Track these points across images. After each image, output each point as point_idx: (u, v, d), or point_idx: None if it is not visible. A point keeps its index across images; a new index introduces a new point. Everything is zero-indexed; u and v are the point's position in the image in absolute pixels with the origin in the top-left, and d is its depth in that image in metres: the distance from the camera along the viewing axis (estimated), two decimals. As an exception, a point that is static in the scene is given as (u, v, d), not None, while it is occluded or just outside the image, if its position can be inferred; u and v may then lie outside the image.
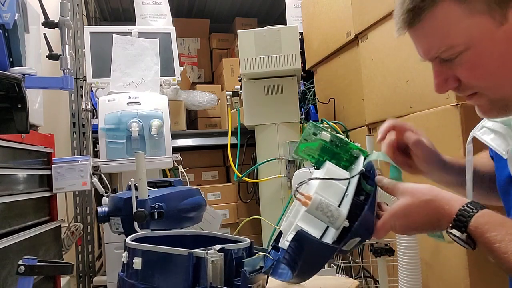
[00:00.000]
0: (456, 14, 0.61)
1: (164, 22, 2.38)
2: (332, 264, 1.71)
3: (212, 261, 0.64)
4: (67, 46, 1.41)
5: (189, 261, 0.64)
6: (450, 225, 0.62)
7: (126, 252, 0.72)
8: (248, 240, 0.76)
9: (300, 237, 0.66)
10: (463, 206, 0.62)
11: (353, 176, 0.71)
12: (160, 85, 1.94)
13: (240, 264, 0.68)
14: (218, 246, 0.66)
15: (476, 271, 1.23)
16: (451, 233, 0.62)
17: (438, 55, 0.66)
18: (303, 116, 2.13)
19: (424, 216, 0.65)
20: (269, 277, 0.79)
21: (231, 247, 0.68)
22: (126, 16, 3.25)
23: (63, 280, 1.79)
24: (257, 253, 0.75)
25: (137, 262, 0.68)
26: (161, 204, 1.26)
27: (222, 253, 0.66)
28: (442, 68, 0.67)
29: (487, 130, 0.79)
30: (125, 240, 0.74)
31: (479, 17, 0.60)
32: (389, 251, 1.39)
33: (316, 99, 2.36)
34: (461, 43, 0.62)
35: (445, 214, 0.63)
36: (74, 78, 2.07)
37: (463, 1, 0.60)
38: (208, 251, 0.65)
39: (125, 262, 0.72)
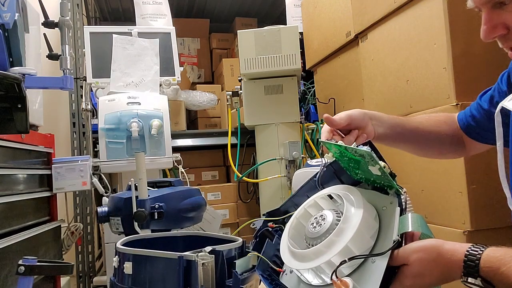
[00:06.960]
0: None
1: (164, 22, 2.38)
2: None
3: (203, 263, 0.64)
4: (67, 46, 1.41)
5: (180, 264, 0.64)
6: (462, 274, 0.61)
7: (116, 256, 0.71)
8: (240, 240, 0.75)
9: None
10: (467, 251, 0.61)
11: (387, 250, 0.64)
12: (160, 85, 1.94)
13: (232, 265, 0.68)
14: (208, 248, 0.66)
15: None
16: (468, 282, 0.61)
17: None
18: (303, 116, 2.13)
19: (436, 274, 0.64)
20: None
21: (222, 248, 0.68)
22: (126, 16, 3.25)
23: (63, 280, 1.80)
24: (249, 252, 0.74)
25: (128, 267, 0.67)
26: (161, 204, 1.26)
27: (213, 255, 0.65)
28: (492, 15, 0.70)
29: None
30: (115, 244, 0.74)
31: None
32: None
33: (316, 99, 2.36)
34: None
35: (453, 265, 0.62)
36: (74, 78, 2.07)
37: None
38: (199, 254, 0.65)
39: (116, 266, 0.71)
